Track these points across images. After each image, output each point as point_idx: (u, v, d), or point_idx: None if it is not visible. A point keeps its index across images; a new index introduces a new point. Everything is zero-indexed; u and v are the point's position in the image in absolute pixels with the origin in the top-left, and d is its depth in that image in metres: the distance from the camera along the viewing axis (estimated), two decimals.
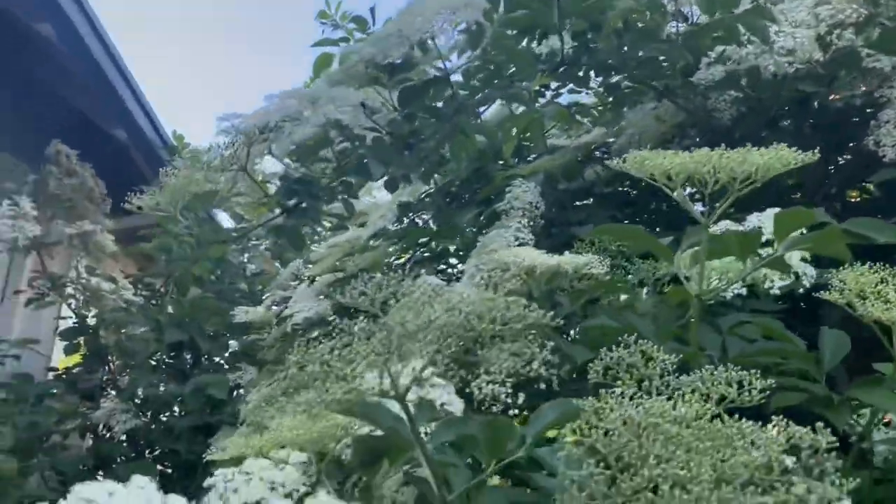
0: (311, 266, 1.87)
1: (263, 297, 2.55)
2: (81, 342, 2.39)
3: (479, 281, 1.01)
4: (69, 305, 2.18)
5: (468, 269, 1.15)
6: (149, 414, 2.15)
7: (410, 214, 1.70)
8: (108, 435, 2.12)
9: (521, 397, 0.61)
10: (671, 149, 1.79)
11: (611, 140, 1.63)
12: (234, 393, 2.13)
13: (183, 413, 2.13)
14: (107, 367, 2.30)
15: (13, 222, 1.89)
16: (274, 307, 2.35)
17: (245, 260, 2.86)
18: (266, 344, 2.07)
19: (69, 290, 2.15)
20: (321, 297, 1.74)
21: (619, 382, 0.68)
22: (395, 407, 0.67)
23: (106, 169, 2.27)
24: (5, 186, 1.98)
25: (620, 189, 1.70)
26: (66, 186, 2.00)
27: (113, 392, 2.17)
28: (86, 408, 2.14)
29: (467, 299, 0.62)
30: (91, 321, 2.29)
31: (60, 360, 2.84)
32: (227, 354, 2.45)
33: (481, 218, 1.41)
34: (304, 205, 1.35)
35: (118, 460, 2.10)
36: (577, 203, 1.61)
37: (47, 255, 2.15)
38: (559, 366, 1.04)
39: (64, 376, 2.34)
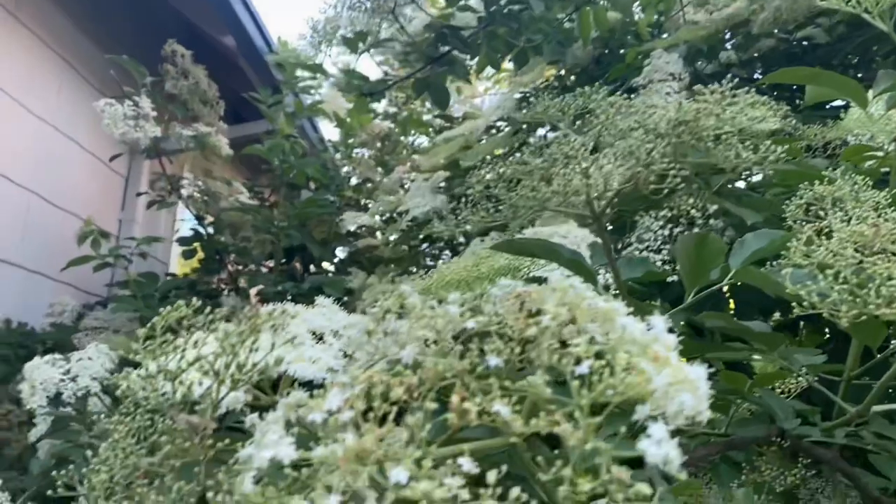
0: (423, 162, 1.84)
1: (370, 205, 2.55)
2: (198, 247, 2.46)
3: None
4: (188, 207, 2.23)
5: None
6: None
7: (530, 102, 1.62)
8: None
9: None
10: (818, 26, 1.63)
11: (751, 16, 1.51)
12: (345, 297, 2.16)
13: None
14: (225, 270, 2.36)
15: (135, 122, 1.91)
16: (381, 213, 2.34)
17: (350, 170, 2.85)
18: (380, 243, 2.07)
19: (187, 192, 2.19)
20: (437, 191, 1.71)
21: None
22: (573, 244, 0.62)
23: (215, 77, 2.28)
24: (125, 88, 2.00)
25: (755, 75, 1.59)
26: (182, 87, 2.02)
27: (232, 293, 2.22)
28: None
29: (661, 111, 0.56)
30: (206, 229, 2.35)
31: (178, 265, 2.94)
32: (336, 260, 2.47)
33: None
34: (453, 52, 1.29)
35: None
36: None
37: (166, 159, 2.20)
38: (723, 230, 0.96)
39: (183, 279, 2.42)
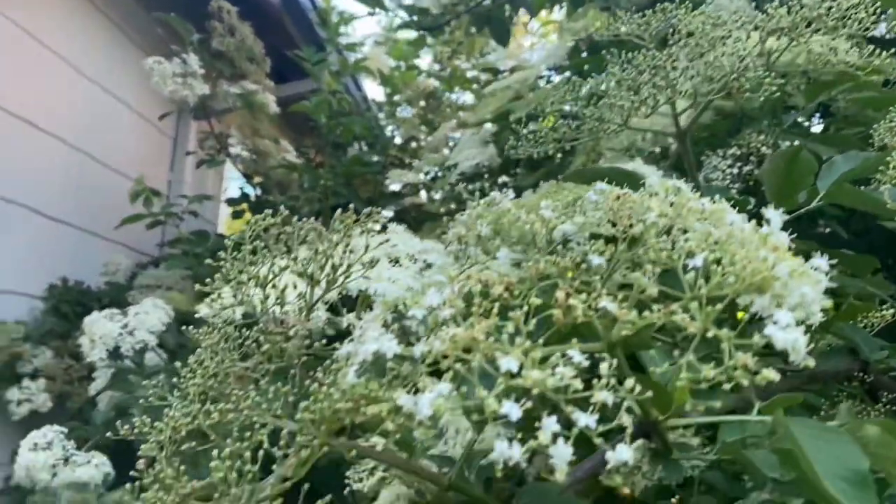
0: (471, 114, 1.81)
1: (415, 164, 2.53)
2: (246, 208, 2.48)
3: None
4: (236, 166, 2.24)
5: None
6: None
7: (583, 53, 1.59)
8: None
9: None
10: None
11: None
12: None
13: None
14: None
15: (183, 80, 1.92)
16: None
17: (394, 129, 2.84)
18: (426, 201, 2.06)
19: (235, 151, 2.20)
20: (487, 143, 1.69)
21: None
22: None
23: (260, 36, 2.27)
24: (172, 47, 2.01)
25: None
26: (229, 44, 2.01)
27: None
28: None
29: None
30: (254, 188, 2.37)
31: (226, 226, 2.97)
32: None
33: None
34: None
35: None
36: None
37: (214, 119, 2.21)
38: None
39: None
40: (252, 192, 2.51)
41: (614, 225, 0.33)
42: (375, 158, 2.56)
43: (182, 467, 0.32)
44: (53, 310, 2.18)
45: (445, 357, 0.29)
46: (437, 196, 2.10)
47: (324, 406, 0.30)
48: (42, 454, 1.50)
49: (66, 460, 1.52)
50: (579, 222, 0.35)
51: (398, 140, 2.81)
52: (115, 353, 1.73)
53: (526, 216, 0.36)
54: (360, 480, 0.91)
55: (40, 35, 2.19)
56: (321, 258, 0.36)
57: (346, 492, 1.16)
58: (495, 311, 0.30)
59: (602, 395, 0.27)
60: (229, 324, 0.40)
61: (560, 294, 0.30)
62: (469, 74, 2.65)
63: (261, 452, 0.31)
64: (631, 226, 0.33)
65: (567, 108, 0.54)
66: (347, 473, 0.93)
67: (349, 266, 0.36)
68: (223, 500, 0.30)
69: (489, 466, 0.47)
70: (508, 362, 0.28)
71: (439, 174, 2.14)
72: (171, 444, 0.33)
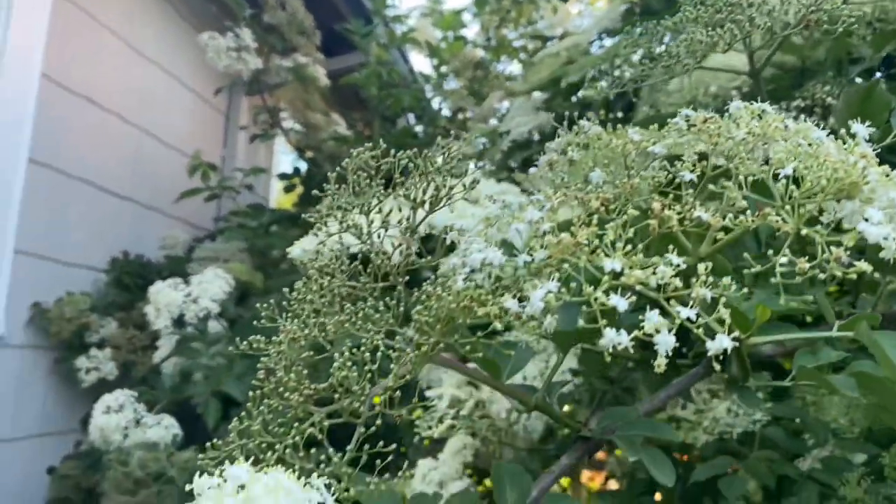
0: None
1: (463, 136, 2.55)
2: (297, 182, 2.52)
3: None
4: (288, 140, 2.28)
5: None
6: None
7: (636, 17, 1.58)
8: None
9: None
10: None
11: None
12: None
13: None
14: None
15: (237, 54, 1.96)
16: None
17: (441, 101, 2.85)
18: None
19: (287, 125, 2.24)
20: (539, 109, 1.69)
21: None
22: None
23: (309, 9, 2.30)
24: (225, 22, 2.05)
25: None
26: (281, 18, 2.05)
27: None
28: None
29: None
30: (305, 161, 2.41)
31: (277, 201, 3.02)
32: None
33: None
34: None
35: None
36: None
37: (266, 92, 2.25)
38: None
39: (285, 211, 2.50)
40: (303, 167, 2.56)
41: (709, 143, 0.35)
42: (423, 130, 2.58)
43: (304, 371, 0.35)
44: (116, 282, 2.26)
45: (548, 265, 0.32)
46: (488, 167, 2.11)
47: (439, 306, 0.32)
48: (114, 416, 1.58)
49: (137, 422, 1.59)
50: (668, 143, 0.37)
51: (446, 112, 2.83)
52: (178, 322, 1.80)
53: (616, 140, 0.38)
54: (430, 428, 0.95)
55: (98, 14, 2.26)
56: (424, 181, 0.38)
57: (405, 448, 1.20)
58: (594, 222, 0.32)
59: (702, 291, 0.29)
60: (335, 250, 0.43)
61: (656, 205, 0.32)
62: (516, 44, 2.65)
63: (378, 354, 0.33)
64: (718, 144, 0.35)
65: (636, 56, 0.56)
66: (417, 423, 0.96)
67: (451, 188, 0.39)
68: (344, 399, 0.33)
69: (567, 395, 0.50)
70: (612, 263, 0.30)
71: (488, 145, 2.16)
72: (290, 353, 0.36)
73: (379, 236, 0.40)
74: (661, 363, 0.29)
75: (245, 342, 0.41)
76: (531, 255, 0.32)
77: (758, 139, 0.34)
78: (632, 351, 0.28)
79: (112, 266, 2.30)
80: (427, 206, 0.39)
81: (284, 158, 3.18)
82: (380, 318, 0.36)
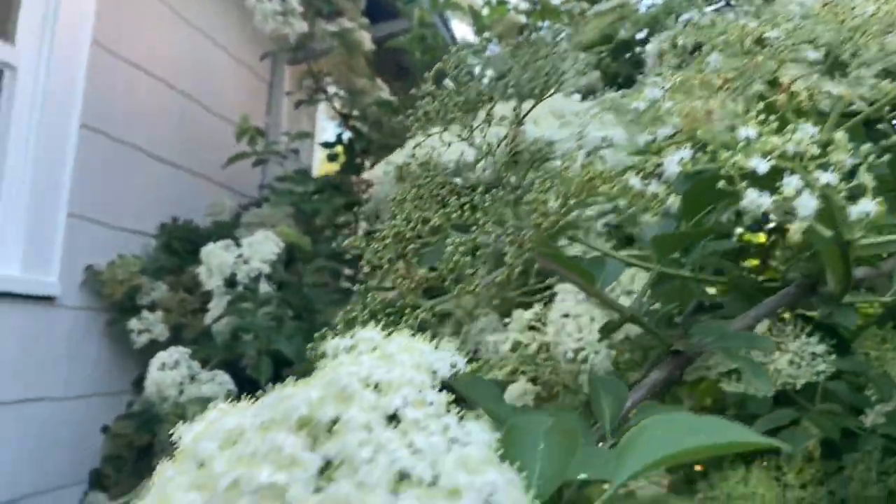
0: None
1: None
2: (341, 150, 2.52)
3: None
4: (333, 106, 2.28)
5: None
6: None
7: None
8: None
9: None
10: None
11: None
12: None
13: None
14: (367, 170, 2.41)
15: (283, 19, 1.96)
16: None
17: (483, 69, 2.82)
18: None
19: (333, 90, 2.24)
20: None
21: None
22: None
23: None
24: None
25: None
26: None
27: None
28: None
29: None
30: (349, 126, 2.41)
31: (319, 169, 3.03)
32: None
33: None
34: None
35: None
36: None
37: (310, 59, 2.25)
38: None
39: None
40: (346, 136, 2.56)
41: (835, 24, 0.34)
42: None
43: (415, 260, 0.34)
44: (165, 247, 2.30)
45: (674, 142, 0.31)
46: None
47: (562, 182, 0.32)
48: (170, 373, 1.60)
49: (192, 378, 1.61)
50: (787, 28, 0.35)
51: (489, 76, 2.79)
52: (230, 282, 1.82)
53: (730, 27, 0.37)
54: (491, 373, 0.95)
55: None
56: (532, 73, 0.38)
57: None
58: (721, 97, 0.31)
59: (841, 156, 0.28)
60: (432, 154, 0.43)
61: (784, 79, 0.31)
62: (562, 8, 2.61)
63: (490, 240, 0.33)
64: (843, 21, 0.34)
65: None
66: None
67: (560, 76, 0.38)
68: (453, 287, 0.33)
69: (663, 312, 0.49)
70: (746, 131, 0.29)
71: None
72: (393, 248, 0.36)
73: (482, 131, 0.39)
74: (796, 230, 0.28)
75: (346, 242, 0.41)
76: (653, 134, 0.31)
77: (889, 17, 0.33)
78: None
79: (161, 231, 2.34)
80: (532, 100, 0.38)
81: (326, 127, 3.18)
82: (490, 206, 0.35)
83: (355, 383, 0.24)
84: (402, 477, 0.22)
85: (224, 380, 1.62)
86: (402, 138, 2.25)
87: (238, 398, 1.17)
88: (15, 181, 1.88)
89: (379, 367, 0.25)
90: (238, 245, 1.81)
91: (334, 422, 0.24)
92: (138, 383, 2.30)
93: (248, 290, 1.78)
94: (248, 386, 1.79)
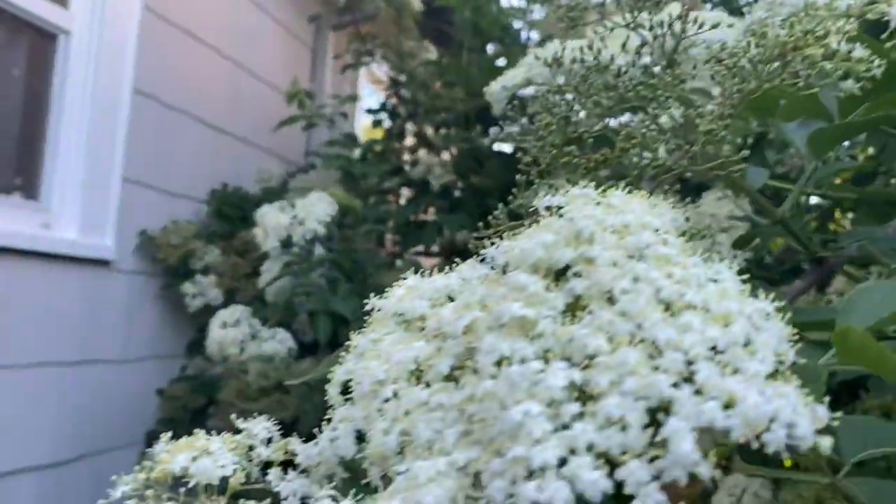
0: None
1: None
2: (385, 117, 2.51)
3: None
4: (379, 68, 2.27)
5: None
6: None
7: None
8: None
9: None
10: None
11: None
12: None
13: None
14: (412, 136, 2.40)
15: None
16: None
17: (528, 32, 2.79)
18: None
19: (381, 52, 2.23)
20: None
21: None
22: None
23: None
24: None
25: None
26: None
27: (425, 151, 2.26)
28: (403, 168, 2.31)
29: None
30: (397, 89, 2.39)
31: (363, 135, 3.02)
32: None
33: None
34: None
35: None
36: None
37: (355, 25, 2.24)
38: None
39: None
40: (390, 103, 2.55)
41: None
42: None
43: (590, 140, 0.33)
44: (217, 212, 2.31)
45: None
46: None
47: (764, 46, 0.31)
48: (231, 331, 1.62)
49: (253, 336, 1.63)
50: None
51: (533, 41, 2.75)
52: (285, 244, 1.83)
53: None
54: None
55: None
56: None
57: None
58: None
59: None
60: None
61: None
62: None
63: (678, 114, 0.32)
64: None
65: None
66: None
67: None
68: (633, 167, 0.32)
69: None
70: None
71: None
72: (563, 132, 0.35)
73: (651, 14, 0.38)
74: None
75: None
76: None
77: None
78: None
79: (212, 197, 2.35)
80: None
81: (369, 94, 3.17)
82: (670, 81, 0.34)
83: (592, 226, 0.23)
84: (666, 305, 0.21)
85: (284, 337, 1.63)
86: (451, 100, 2.23)
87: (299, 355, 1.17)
88: (71, 144, 1.90)
89: (609, 215, 0.24)
90: (292, 206, 1.82)
91: (565, 268, 0.24)
92: (192, 347, 2.33)
93: (304, 251, 1.78)
94: (300, 347, 1.80)
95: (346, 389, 0.27)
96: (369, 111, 2.58)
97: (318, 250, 1.88)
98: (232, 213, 2.32)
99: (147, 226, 2.13)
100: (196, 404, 2.18)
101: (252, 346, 1.61)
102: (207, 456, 0.31)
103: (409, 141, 2.37)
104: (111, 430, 2.04)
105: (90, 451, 1.97)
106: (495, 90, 0.93)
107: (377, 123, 2.57)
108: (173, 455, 0.31)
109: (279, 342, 1.62)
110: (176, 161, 2.24)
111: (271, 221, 1.80)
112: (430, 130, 2.27)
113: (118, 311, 2.06)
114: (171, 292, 2.19)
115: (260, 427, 0.33)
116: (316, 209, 1.79)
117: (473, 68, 2.16)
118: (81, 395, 1.94)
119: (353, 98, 2.29)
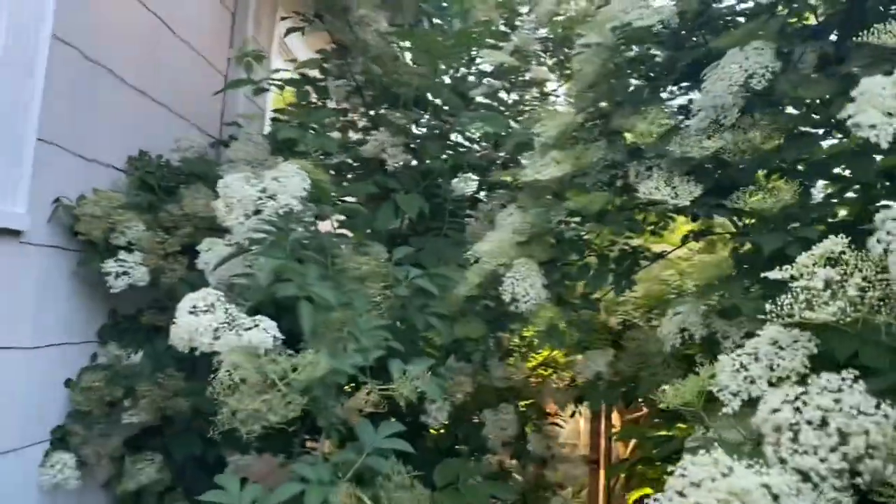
0: None
1: None
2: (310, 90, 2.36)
3: None
4: (331, 33, 2.14)
5: None
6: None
7: None
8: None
9: None
10: None
11: None
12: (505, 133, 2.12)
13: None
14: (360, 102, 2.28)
15: None
16: None
17: None
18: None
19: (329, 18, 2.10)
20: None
21: None
22: None
23: None
24: None
25: None
26: None
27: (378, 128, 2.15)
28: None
29: None
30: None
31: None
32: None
33: None
34: None
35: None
36: None
37: None
38: None
39: None
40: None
41: None
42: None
43: None
44: (140, 182, 2.06)
45: None
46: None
47: None
48: (204, 317, 1.43)
49: (230, 324, 1.45)
50: None
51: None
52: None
53: None
54: None
55: None
56: None
57: None
58: None
59: None
60: None
61: None
62: None
63: None
64: None
65: None
66: None
67: None
68: None
69: None
70: None
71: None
72: None
73: None
74: None
75: None
76: None
77: None
78: None
79: (130, 165, 2.09)
80: None
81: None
82: None
83: None
84: None
85: (269, 325, 1.46)
86: (410, 74, 2.12)
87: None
88: None
89: None
90: (259, 179, 1.65)
91: None
92: (102, 334, 2.06)
93: (281, 229, 1.62)
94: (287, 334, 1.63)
95: None
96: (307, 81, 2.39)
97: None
98: (156, 183, 2.08)
99: (62, 194, 1.86)
100: (114, 396, 1.94)
101: (230, 336, 1.43)
102: None
103: (356, 116, 2.26)
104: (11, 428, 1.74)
105: None
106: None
107: (304, 95, 2.41)
108: None
109: (263, 331, 1.45)
110: (94, 121, 1.98)
111: (237, 193, 1.62)
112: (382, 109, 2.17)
113: (29, 290, 1.78)
114: (86, 269, 1.92)
115: None
116: (290, 182, 1.64)
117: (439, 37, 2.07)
118: None
119: (305, 63, 2.13)
